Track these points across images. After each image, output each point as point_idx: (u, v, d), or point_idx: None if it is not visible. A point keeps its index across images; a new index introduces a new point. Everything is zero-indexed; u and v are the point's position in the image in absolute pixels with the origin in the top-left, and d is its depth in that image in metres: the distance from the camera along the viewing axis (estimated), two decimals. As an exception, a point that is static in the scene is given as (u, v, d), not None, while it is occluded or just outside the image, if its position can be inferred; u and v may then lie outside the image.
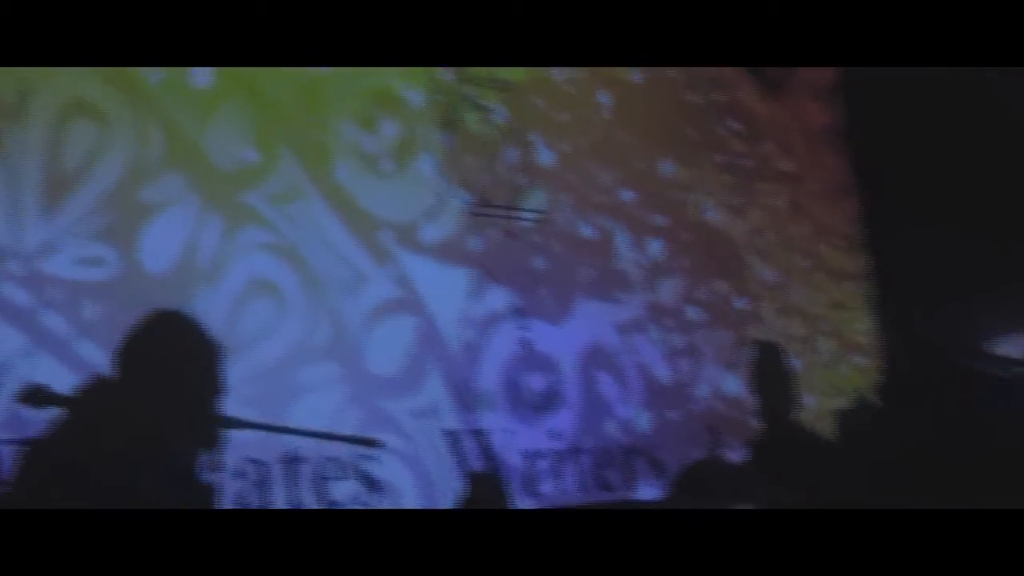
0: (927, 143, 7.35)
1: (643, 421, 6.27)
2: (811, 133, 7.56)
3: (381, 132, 5.60)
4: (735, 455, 6.53)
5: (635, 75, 6.65)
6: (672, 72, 6.87)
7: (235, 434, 3.69)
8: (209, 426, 3.73)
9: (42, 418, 3.51)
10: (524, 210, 6.02)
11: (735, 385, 6.68)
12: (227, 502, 4.59)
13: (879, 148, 7.70)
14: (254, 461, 4.89)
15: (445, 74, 5.85)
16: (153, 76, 4.95)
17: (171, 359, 3.44)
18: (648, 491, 6.02)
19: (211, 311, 4.90)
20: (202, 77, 5.08)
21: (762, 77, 7.35)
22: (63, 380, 3.30)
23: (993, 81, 7.13)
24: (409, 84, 5.74)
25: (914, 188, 7.43)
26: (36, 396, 3.61)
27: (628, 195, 6.48)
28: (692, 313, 6.65)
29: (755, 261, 7.04)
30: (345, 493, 5.14)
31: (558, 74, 6.33)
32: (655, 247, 6.55)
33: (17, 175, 4.55)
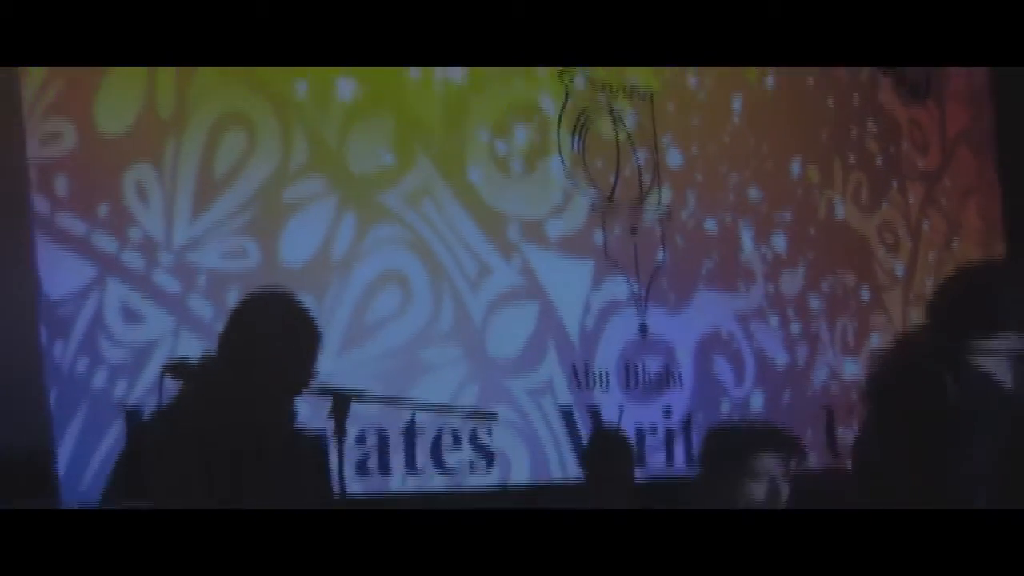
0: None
1: (757, 401, 6.39)
2: (950, 134, 7.48)
3: (514, 137, 5.82)
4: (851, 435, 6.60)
5: (768, 80, 6.71)
6: (808, 78, 6.90)
7: (360, 406, 4.00)
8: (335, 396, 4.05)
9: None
10: (649, 206, 6.18)
11: (853, 368, 6.73)
12: (349, 467, 4.90)
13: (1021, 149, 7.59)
14: (377, 429, 5.22)
15: (579, 82, 6.03)
16: (300, 87, 5.27)
17: (272, 331, 3.72)
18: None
19: (344, 298, 5.26)
20: (346, 90, 5.38)
21: (902, 81, 7.30)
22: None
23: None
24: (544, 91, 5.94)
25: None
26: (180, 369, 3.99)
27: (755, 193, 6.57)
28: (814, 303, 6.71)
29: (883, 254, 7.04)
30: (459, 461, 5.43)
31: (692, 81, 6.44)
32: (779, 241, 6.62)
33: (175, 179, 4.93)
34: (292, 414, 3.74)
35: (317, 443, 3.72)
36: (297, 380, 3.79)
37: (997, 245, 7.56)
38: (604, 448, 5.21)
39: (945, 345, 3.04)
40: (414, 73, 5.55)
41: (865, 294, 6.93)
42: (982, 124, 7.65)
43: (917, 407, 3.02)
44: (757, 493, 3.69)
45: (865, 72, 7.14)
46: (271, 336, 3.68)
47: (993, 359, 3.03)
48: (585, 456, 5.28)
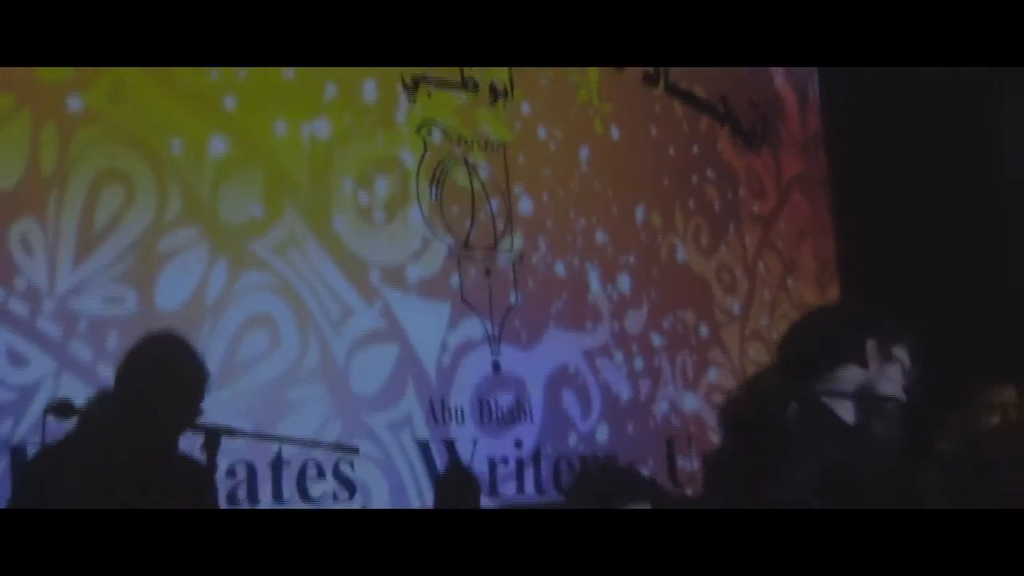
0: (899, 186, 7.93)
1: (602, 433, 7.01)
2: (784, 180, 8.19)
3: (376, 188, 6.38)
4: (690, 464, 7.25)
5: (613, 131, 7.35)
6: (652, 129, 7.56)
7: (230, 441, 4.51)
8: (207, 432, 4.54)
9: (65, 428, 4.38)
10: (502, 251, 6.77)
11: (693, 403, 7.38)
12: (220, 498, 5.39)
13: (853, 191, 8.31)
14: (246, 463, 5.73)
15: (436, 135, 6.61)
16: (175, 146, 5.78)
17: (162, 373, 4.19)
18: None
19: (216, 341, 5.77)
20: (218, 146, 5.90)
21: (738, 131, 7.99)
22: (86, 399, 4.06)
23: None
24: (404, 145, 6.50)
25: (885, 227, 8.02)
26: (62, 409, 4.48)
27: (601, 237, 7.20)
28: (656, 339, 7.36)
29: (720, 294, 7.71)
30: (323, 492, 5.96)
31: (542, 132, 7.05)
32: (624, 282, 7.26)
33: (57, 231, 5.42)
34: (176, 448, 4.23)
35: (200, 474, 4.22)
36: (185, 416, 4.27)
37: (830, 284, 8.28)
38: (453, 480, 5.82)
39: (792, 381, 3.32)
40: (281, 129, 6.08)
41: (704, 331, 7.59)
42: (815, 170, 8.36)
43: (763, 429, 3.25)
44: None
45: (704, 122, 7.81)
46: (162, 374, 4.16)
47: (837, 397, 3.31)
48: (436, 487, 5.87)
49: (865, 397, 3.31)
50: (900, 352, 3.36)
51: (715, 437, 3.52)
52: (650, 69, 7.54)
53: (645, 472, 6.70)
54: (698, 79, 7.76)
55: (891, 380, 3.34)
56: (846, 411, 3.30)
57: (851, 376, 3.31)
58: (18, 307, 5.25)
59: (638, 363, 7.23)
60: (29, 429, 5.13)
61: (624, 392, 7.15)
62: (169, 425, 4.15)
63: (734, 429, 3.37)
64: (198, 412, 4.22)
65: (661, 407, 7.27)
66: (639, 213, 7.38)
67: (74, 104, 5.52)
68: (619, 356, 7.16)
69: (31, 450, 4.95)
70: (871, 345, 3.31)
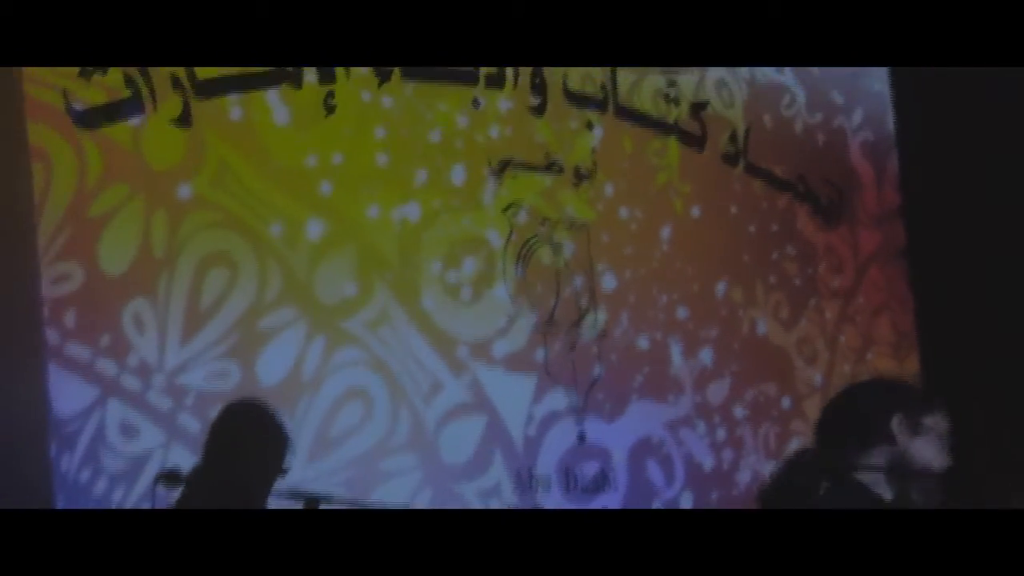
0: (979, 254, 8.16)
1: (686, 501, 7.30)
2: (862, 256, 8.46)
3: (463, 268, 6.77)
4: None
5: (694, 210, 7.69)
6: (732, 208, 7.88)
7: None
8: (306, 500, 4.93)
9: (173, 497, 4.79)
10: (586, 327, 7.12)
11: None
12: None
13: (932, 261, 8.55)
14: (341, 530, 6.10)
15: (522, 216, 6.98)
16: (275, 229, 6.21)
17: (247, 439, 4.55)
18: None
19: (312, 414, 6.17)
20: (315, 230, 6.32)
21: (817, 209, 8.29)
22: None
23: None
24: (490, 226, 6.89)
25: (965, 297, 8.25)
26: (170, 477, 4.89)
27: (683, 312, 7.52)
28: (738, 411, 7.64)
29: (801, 366, 7.99)
30: (415, 557, 6.30)
31: (624, 213, 7.40)
32: (706, 355, 7.56)
33: (166, 311, 5.86)
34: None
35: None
36: (270, 478, 4.62)
37: (909, 356, 8.52)
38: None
39: (826, 460, 3.52)
40: (374, 213, 6.50)
41: (786, 402, 7.86)
42: (892, 243, 8.62)
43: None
44: None
45: (783, 200, 8.13)
46: (247, 441, 4.53)
47: (871, 473, 3.48)
48: None
49: (898, 472, 3.50)
50: (934, 421, 3.57)
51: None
52: (730, 149, 7.87)
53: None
54: (776, 159, 8.07)
55: (924, 451, 3.55)
56: (881, 487, 3.50)
57: (881, 453, 3.48)
58: (130, 382, 5.68)
59: (720, 433, 7.51)
60: (139, 498, 5.54)
61: (707, 462, 7.43)
62: (257, 486, 4.50)
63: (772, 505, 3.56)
64: (283, 471, 4.58)
65: (744, 476, 7.53)
66: (720, 289, 7.69)
67: (183, 192, 5.95)
68: (701, 427, 7.45)
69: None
70: (896, 420, 3.50)
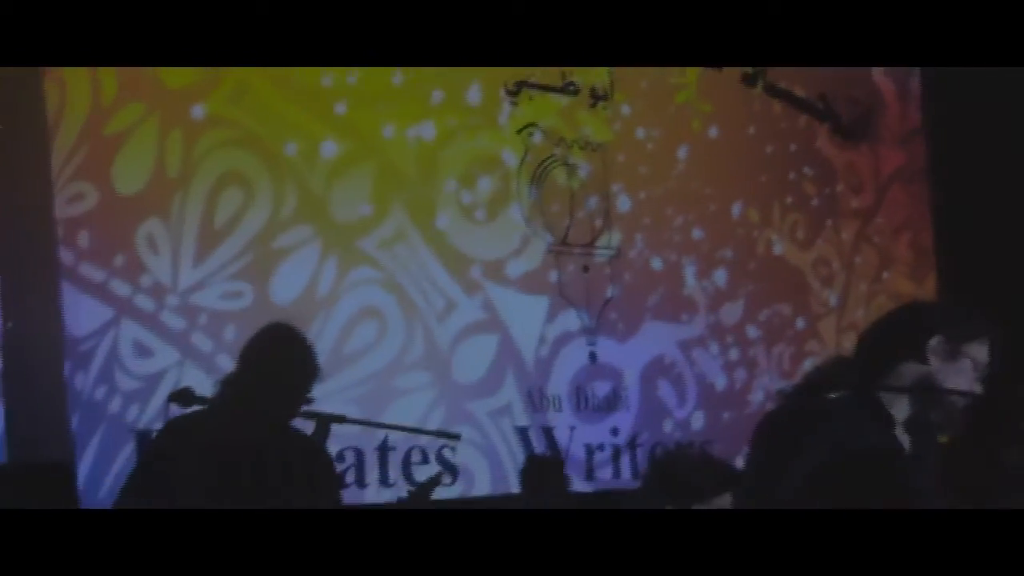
0: (1003, 181, 8.11)
1: (698, 421, 7.36)
2: (883, 175, 8.42)
3: (478, 188, 6.78)
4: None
5: (712, 130, 7.66)
6: (750, 128, 7.84)
7: (340, 428, 4.97)
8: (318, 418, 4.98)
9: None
10: (600, 247, 7.13)
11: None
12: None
13: (953, 182, 8.51)
14: (354, 449, 6.18)
15: (537, 137, 6.98)
16: (290, 149, 6.23)
17: (278, 361, 4.61)
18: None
19: (327, 332, 6.22)
20: (330, 149, 6.34)
21: (838, 128, 8.24)
22: (207, 387, 4.40)
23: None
24: (506, 146, 6.89)
25: (985, 218, 8.21)
26: (183, 396, 4.95)
27: (698, 233, 7.52)
28: (752, 332, 7.67)
29: (817, 286, 7.99)
30: (427, 475, 6.37)
31: (641, 132, 7.39)
32: (720, 276, 7.58)
33: (180, 231, 5.90)
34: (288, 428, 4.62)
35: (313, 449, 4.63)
36: (297, 399, 4.66)
37: (928, 276, 8.51)
38: (540, 467, 6.23)
39: (852, 374, 3.31)
40: (389, 132, 6.50)
41: (801, 323, 7.88)
42: (915, 163, 8.57)
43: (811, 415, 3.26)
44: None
45: (803, 120, 8.08)
46: (278, 362, 4.57)
47: (893, 391, 3.28)
48: (522, 473, 6.27)
49: (923, 393, 3.35)
50: (973, 349, 3.53)
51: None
52: (749, 69, 7.81)
53: (738, 459, 7.00)
54: (797, 78, 8.01)
55: (957, 376, 3.51)
56: (897, 407, 3.34)
57: (909, 372, 3.35)
58: (144, 302, 5.74)
59: (734, 354, 7.55)
60: (154, 415, 5.61)
61: (720, 381, 7.47)
62: (283, 407, 4.55)
63: (784, 424, 3.38)
64: (309, 398, 4.62)
65: (757, 396, 7.57)
66: (736, 209, 7.69)
67: (197, 111, 5.97)
68: (715, 347, 7.48)
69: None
70: (936, 342, 3.41)
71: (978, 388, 3.53)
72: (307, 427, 5.04)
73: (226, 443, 4.26)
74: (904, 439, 3.49)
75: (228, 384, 4.46)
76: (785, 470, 3.32)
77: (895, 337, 3.42)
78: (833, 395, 3.33)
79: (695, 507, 4.51)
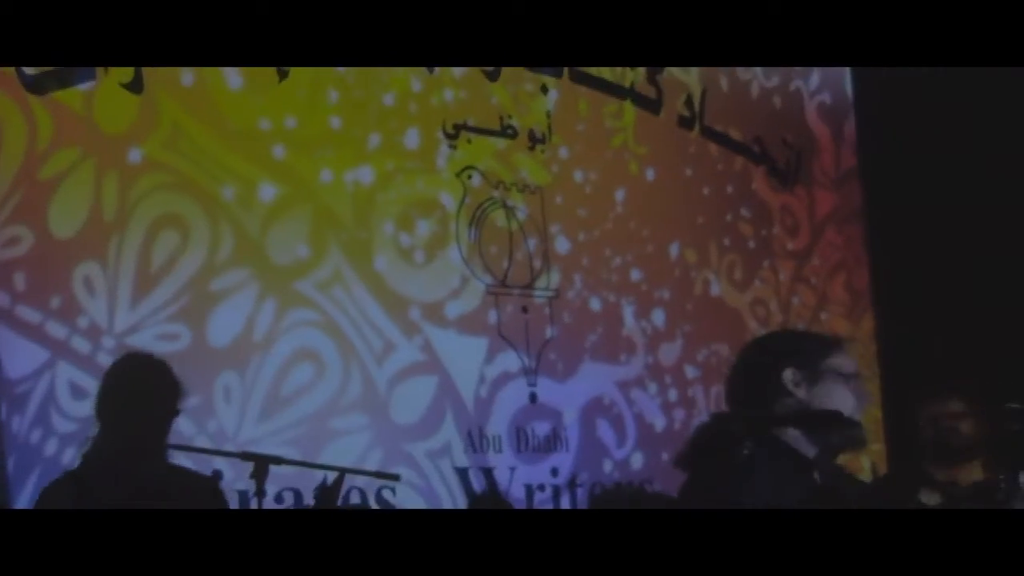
0: (935, 221, 8.20)
1: (637, 461, 7.38)
2: (818, 216, 8.52)
3: (416, 230, 6.81)
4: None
5: (648, 172, 7.73)
6: (687, 170, 7.92)
7: (277, 468, 4.97)
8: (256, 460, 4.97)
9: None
10: (539, 288, 7.17)
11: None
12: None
13: (889, 224, 8.61)
14: (292, 489, 6.17)
15: (476, 180, 7.02)
16: (227, 192, 6.24)
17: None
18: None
19: (263, 374, 6.22)
20: (267, 192, 6.35)
21: (773, 170, 8.33)
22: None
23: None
24: (444, 189, 6.92)
25: (919, 262, 8.30)
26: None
27: (636, 274, 7.58)
28: (690, 371, 7.71)
29: (755, 326, 8.05)
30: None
31: (579, 176, 7.44)
32: (658, 316, 7.62)
33: (117, 273, 5.90)
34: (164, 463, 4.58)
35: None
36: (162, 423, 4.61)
37: (864, 316, 8.59)
38: (487, 503, 6.24)
39: (741, 421, 3.44)
40: (327, 176, 6.53)
41: (738, 362, 7.91)
42: (849, 204, 8.67)
43: (723, 468, 3.38)
44: None
45: (739, 162, 8.17)
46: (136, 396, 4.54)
47: (789, 431, 3.40)
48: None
49: (809, 425, 3.44)
50: (836, 363, 3.50)
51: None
52: (686, 112, 7.90)
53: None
54: (733, 121, 8.11)
55: (828, 398, 3.46)
56: (801, 444, 3.44)
57: (784, 408, 3.42)
58: (80, 344, 5.72)
59: (672, 394, 7.58)
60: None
61: (658, 422, 7.50)
62: (154, 440, 4.50)
63: (695, 470, 3.54)
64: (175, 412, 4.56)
65: (695, 436, 7.58)
66: (674, 250, 7.75)
67: (134, 155, 5.98)
68: (653, 387, 7.52)
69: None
70: (789, 374, 3.44)
71: (853, 399, 3.58)
72: (246, 468, 5.07)
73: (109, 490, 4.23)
74: (817, 476, 3.56)
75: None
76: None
77: (754, 384, 3.50)
78: (745, 446, 3.39)
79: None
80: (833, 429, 3.53)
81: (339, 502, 6.21)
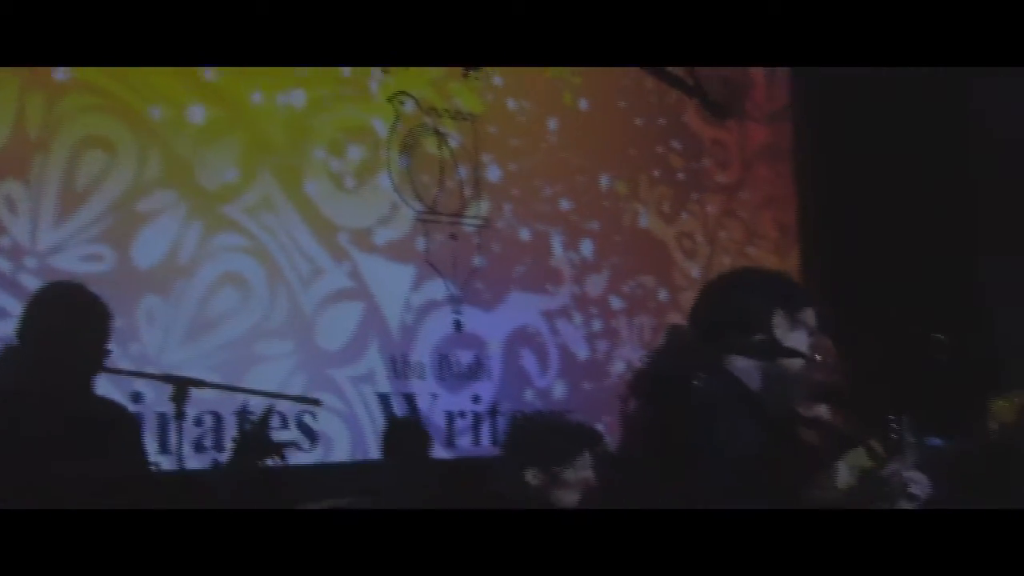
0: (865, 160, 8.21)
1: (559, 390, 7.40)
2: (749, 151, 8.50)
3: (348, 155, 6.73)
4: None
5: (582, 102, 7.67)
6: (620, 102, 7.87)
7: (198, 392, 4.89)
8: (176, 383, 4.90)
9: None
10: (469, 217, 7.13)
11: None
12: (186, 446, 5.73)
13: (818, 162, 8.61)
14: (213, 413, 6.13)
15: (408, 106, 6.94)
16: (155, 113, 6.13)
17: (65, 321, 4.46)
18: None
19: (188, 298, 6.16)
20: (197, 114, 6.25)
21: (707, 104, 8.29)
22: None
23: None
24: (376, 114, 6.84)
25: (847, 196, 8.32)
26: None
27: (566, 204, 7.55)
28: (615, 303, 7.72)
29: (681, 259, 8.06)
30: (285, 440, 6.34)
31: (512, 104, 7.37)
32: (586, 247, 7.61)
33: (40, 193, 5.79)
34: (91, 392, 4.49)
35: (130, 419, 4.55)
36: (93, 360, 4.53)
37: (791, 251, 8.61)
38: (401, 432, 6.23)
39: (700, 347, 3.46)
40: (258, 99, 6.42)
41: (663, 295, 7.94)
42: (780, 140, 8.66)
43: (669, 405, 3.39)
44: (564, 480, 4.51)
45: (673, 95, 8.12)
46: (64, 323, 4.45)
47: (744, 360, 3.43)
48: (383, 439, 6.27)
49: (769, 362, 3.47)
50: (806, 316, 3.55)
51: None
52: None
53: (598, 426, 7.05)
54: (668, 53, 8.03)
55: (796, 344, 3.49)
56: (751, 377, 3.47)
57: (756, 344, 3.45)
58: (2, 263, 5.63)
59: (596, 325, 7.59)
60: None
61: (581, 352, 7.51)
62: (81, 369, 4.42)
63: (648, 396, 3.58)
64: (105, 353, 4.48)
65: (617, 367, 7.63)
66: (604, 182, 7.72)
67: (60, 74, 5.85)
68: (578, 318, 7.52)
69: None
70: (778, 316, 3.47)
71: (810, 352, 3.57)
72: (167, 391, 4.99)
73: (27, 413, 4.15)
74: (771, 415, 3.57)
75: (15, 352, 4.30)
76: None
77: (738, 311, 3.49)
78: (696, 376, 3.40)
79: (557, 470, 4.58)
80: (788, 374, 3.58)
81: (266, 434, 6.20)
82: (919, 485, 3.35)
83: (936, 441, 4.86)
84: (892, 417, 3.48)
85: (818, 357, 3.67)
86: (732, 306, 3.52)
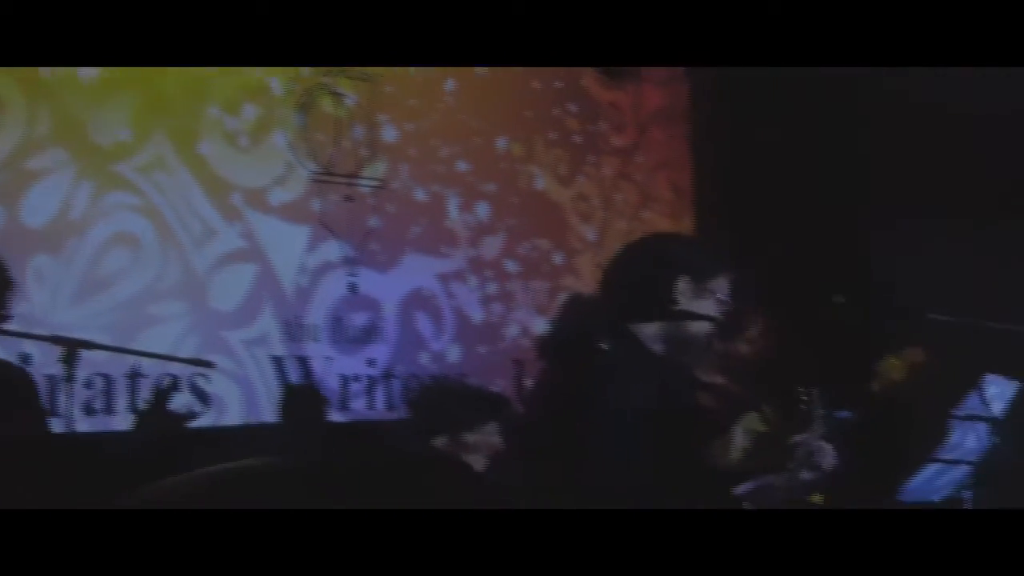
0: (761, 125, 8.25)
1: (454, 354, 7.38)
2: (644, 113, 8.52)
3: (242, 114, 6.63)
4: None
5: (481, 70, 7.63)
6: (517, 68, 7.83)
7: (88, 353, 4.79)
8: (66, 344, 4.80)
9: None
10: (364, 178, 7.06)
11: (543, 327, 7.73)
12: (76, 409, 5.63)
13: (714, 126, 8.65)
14: (103, 375, 6.03)
15: (305, 69, 6.85)
16: (45, 69, 5.98)
17: None
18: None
19: (79, 257, 6.04)
20: (89, 71, 6.11)
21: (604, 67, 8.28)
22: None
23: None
24: (272, 73, 6.74)
25: (743, 160, 8.37)
26: None
27: (463, 166, 7.51)
28: (510, 266, 7.71)
29: (576, 222, 8.07)
30: (179, 404, 6.26)
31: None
32: (482, 209, 7.58)
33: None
34: None
35: (24, 379, 4.47)
36: None
37: (685, 215, 8.66)
38: (298, 396, 6.19)
39: (606, 313, 3.58)
40: (152, 55, 6.28)
41: (558, 258, 7.95)
42: (676, 104, 8.69)
43: (574, 368, 3.49)
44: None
45: (571, 58, 8.09)
46: None
47: (649, 326, 3.55)
48: (280, 403, 6.22)
49: (674, 330, 3.58)
50: (715, 285, 3.65)
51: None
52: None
53: (495, 389, 7.05)
54: (566, 16, 7.99)
55: (701, 309, 3.60)
56: (656, 343, 3.57)
57: (661, 312, 3.55)
58: None
59: (492, 287, 7.58)
60: None
61: (476, 315, 7.50)
62: None
63: (554, 358, 3.64)
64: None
65: (512, 330, 7.63)
66: (501, 143, 7.69)
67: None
68: (473, 280, 7.50)
69: None
70: (682, 284, 3.58)
71: (711, 324, 3.67)
72: (56, 352, 4.89)
73: None
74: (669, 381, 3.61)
75: None
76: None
77: (643, 277, 3.59)
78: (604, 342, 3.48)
79: (463, 436, 4.58)
80: (692, 344, 3.63)
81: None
82: (824, 455, 3.42)
83: (845, 413, 4.93)
84: (801, 388, 3.54)
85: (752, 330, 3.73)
86: (639, 272, 3.61)
